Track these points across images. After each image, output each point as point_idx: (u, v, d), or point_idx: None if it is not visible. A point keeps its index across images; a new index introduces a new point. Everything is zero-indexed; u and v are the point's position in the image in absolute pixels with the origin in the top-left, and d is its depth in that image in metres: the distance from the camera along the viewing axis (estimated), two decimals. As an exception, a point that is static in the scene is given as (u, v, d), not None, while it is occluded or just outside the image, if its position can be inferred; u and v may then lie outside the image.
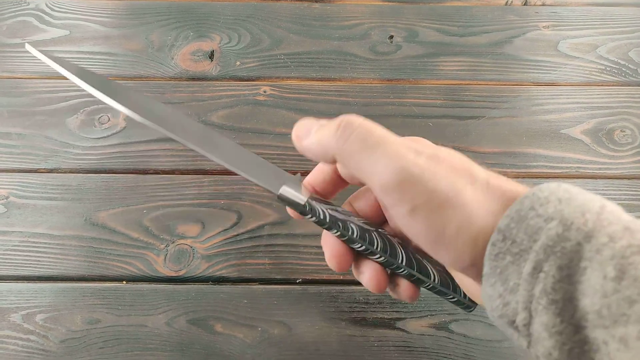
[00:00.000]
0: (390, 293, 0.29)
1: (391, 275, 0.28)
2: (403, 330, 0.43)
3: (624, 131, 0.53)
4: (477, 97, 0.55)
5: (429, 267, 0.26)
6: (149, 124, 0.27)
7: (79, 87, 0.28)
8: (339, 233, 0.26)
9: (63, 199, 0.48)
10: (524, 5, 0.63)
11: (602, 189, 0.49)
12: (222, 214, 0.48)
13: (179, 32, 0.59)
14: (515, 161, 0.51)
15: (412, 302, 0.38)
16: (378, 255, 0.26)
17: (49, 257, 0.46)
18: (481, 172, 0.23)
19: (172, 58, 0.57)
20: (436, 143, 0.24)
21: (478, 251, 0.22)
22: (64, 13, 0.60)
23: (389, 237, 0.26)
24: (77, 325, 0.43)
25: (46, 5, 0.61)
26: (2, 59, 0.57)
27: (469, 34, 0.60)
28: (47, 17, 0.60)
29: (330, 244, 0.27)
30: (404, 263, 0.26)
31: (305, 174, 0.29)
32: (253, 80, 0.56)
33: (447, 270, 0.27)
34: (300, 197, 0.26)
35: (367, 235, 0.26)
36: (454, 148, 0.24)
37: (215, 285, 0.45)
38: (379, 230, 0.27)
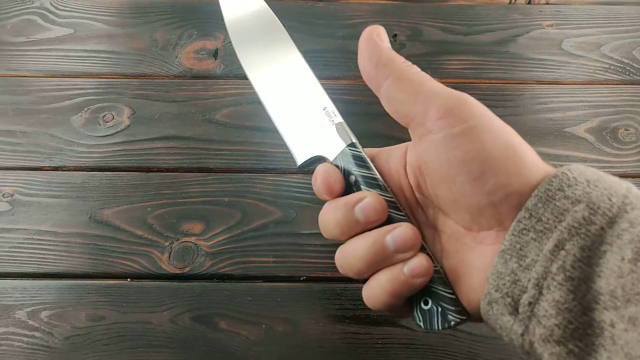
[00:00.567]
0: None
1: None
2: (407, 327, 0.43)
3: (628, 130, 0.53)
4: (481, 96, 0.55)
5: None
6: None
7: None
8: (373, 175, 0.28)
9: (67, 197, 0.48)
10: (528, 4, 0.62)
11: (607, 188, 0.49)
12: (226, 211, 0.48)
13: (183, 31, 0.59)
14: (519, 159, 0.51)
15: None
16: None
17: (53, 255, 0.46)
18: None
19: (176, 56, 0.57)
20: None
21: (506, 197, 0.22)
22: (69, 12, 0.60)
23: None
24: (82, 322, 0.43)
25: (51, 4, 0.61)
26: (7, 58, 0.57)
27: (473, 32, 0.60)
28: (51, 16, 0.60)
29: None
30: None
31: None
32: (257, 78, 0.56)
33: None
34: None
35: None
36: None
37: (219, 282, 0.45)
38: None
